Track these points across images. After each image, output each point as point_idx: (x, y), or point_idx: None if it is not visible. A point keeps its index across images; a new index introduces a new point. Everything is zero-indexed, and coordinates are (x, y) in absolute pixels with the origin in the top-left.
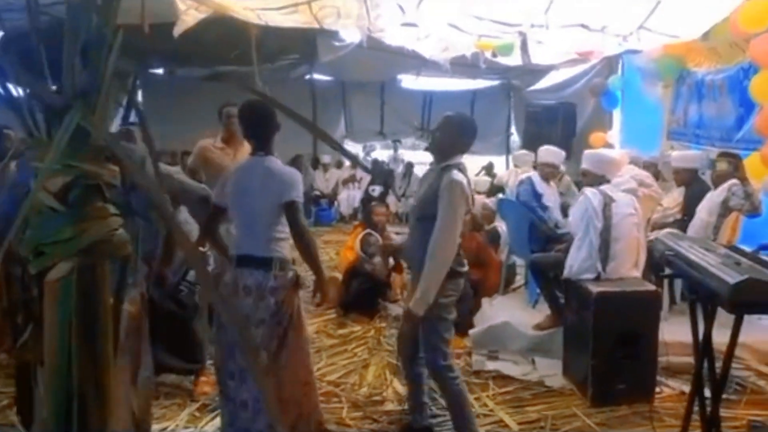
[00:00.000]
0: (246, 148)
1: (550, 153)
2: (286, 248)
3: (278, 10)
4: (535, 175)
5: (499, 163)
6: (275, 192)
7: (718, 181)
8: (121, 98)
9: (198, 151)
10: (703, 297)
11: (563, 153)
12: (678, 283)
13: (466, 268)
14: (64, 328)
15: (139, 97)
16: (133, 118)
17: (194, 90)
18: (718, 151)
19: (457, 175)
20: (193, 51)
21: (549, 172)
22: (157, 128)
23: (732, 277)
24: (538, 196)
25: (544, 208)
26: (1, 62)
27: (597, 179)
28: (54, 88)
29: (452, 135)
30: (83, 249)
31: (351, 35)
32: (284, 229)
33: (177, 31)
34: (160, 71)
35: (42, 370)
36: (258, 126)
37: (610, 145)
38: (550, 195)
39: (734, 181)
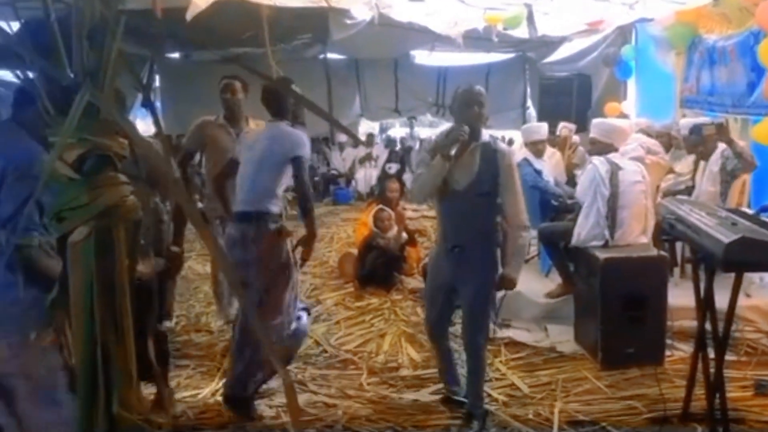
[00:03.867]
0: (250, 125)
1: (533, 130)
2: (277, 204)
3: None
4: (529, 155)
5: (516, 137)
6: (283, 149)
7: (707, 151)
8: (140, 82)
9: (200, 127)
10: (702, 258)
11: (545, 125)
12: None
13: None
14: (87, 285)
15: (157, 81)
16: None
17: (210, 73)
18: (691, 125)
19: (505, 146)
20: (207, 34)
21: (539, 149)
22: (175, 111)
23: (726, 237)
24: (539, 173)
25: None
26: (19, 49)
27: (605, 148)
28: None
29: (485, 107)
30: (99, 213)
31: (362, 12)
32: (280, 186)
33: (189, 14)
34: (175, 55)
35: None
36: (271, 99)
37: (625, 115)
38: (546, 169)
39: (722, 146)
